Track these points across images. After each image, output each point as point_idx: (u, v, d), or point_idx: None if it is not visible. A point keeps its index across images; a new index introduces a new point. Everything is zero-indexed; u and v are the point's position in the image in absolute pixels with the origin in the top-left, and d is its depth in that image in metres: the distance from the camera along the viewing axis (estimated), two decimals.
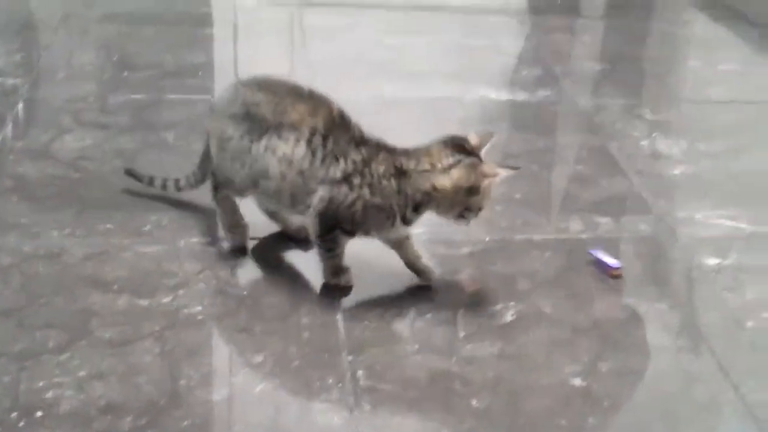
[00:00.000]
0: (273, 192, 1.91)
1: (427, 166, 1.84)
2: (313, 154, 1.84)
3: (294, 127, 1.86)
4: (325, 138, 1.85)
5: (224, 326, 1.83)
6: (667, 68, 3.21)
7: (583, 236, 2.16)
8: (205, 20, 3.42)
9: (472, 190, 1.84)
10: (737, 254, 2.12)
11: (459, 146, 1.86)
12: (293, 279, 1.98)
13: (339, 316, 1.85)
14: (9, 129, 2.51)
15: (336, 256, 1.92)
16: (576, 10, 3.77)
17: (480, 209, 1.87)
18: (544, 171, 2.47)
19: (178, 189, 2.17)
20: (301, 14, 3.45)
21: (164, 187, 2.18)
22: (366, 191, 1.84)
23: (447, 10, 3.63)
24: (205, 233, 2.10)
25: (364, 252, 1.97)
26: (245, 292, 1.92)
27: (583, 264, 2.05)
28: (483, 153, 1.87)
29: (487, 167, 1.85)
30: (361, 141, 1.86)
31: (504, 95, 2.89)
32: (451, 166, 1.84)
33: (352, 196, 1.84)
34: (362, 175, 1.84)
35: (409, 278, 1.98)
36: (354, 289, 1.93)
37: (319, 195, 1.85)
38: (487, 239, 2.08)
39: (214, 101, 2.08)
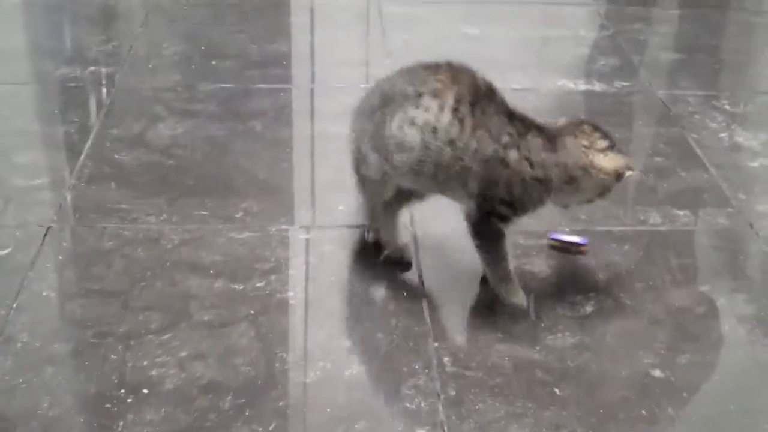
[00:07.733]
0: (415, 163, 1.83)
1: (585, 143, 1.83)
2: (461, 122, 1.79)
3: (436, 94, 1.80)
4: (472, 105, 1.79)
5: (315, 311, 1.91)
6: (745, 59, 3.19)
7: (662, 228, 2.19)
8: (283, 7, 3.49)
9: (619, 178, 1.86)
10: None
11: (605, 132, 1.86)
12: (380, 266, 2.04)
13: (424, 304, 1.92)
14: (104, 117, 2.62)
15: (501, 257, 1.87)
16: (652, 0, 3.76)
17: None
18: None
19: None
20: (378, 2, 3.50)
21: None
22: (525, 165, 1.80)
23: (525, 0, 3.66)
24: (293, 221, 2.19)
25: (446, 240, 2.04)
26: (333, 279, 2.00)
27: (661, 256, 2.09)
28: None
29: (630, 160, 1.88)
30: (510, 113, 1.82)
31: (581, 85, 2.92)
32: (606, 149, 1.84)
33: (507, 172, 1.81)
34: (519, 148, 1.80)
35: None
36: (438, 278, 2.00)
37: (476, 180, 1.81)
38: (567, 230, 2.13)
39: (357, 106, 1.98)
